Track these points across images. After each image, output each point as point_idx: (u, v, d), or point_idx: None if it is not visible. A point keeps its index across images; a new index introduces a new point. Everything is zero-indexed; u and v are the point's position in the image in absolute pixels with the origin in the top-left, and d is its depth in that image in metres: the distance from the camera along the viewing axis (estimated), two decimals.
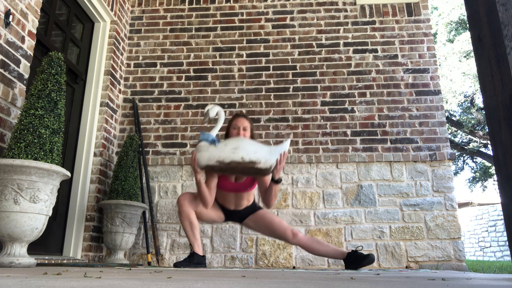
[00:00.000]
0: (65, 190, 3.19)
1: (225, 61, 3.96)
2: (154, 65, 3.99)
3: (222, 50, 4.00)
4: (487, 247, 11.28)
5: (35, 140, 1.98)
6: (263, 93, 3.84)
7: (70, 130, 3.31)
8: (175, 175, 3.66)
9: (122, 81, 3.93)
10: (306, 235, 2.59)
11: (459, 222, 3.42)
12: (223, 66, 3.94)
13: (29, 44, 2.46)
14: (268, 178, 2.60)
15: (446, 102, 12.26)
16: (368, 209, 3.47)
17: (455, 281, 1.41)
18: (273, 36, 4.02)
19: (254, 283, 1.12)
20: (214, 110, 2.62)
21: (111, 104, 3.67)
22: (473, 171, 15.28)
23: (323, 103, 3.78)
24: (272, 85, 3.86)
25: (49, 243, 2.99)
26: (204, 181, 2.59)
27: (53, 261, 2.56)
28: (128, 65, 4.00)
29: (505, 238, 10.36)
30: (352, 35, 3.97)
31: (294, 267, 3.33)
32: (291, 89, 3.84)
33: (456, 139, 14.14)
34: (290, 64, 3.92)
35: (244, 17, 4.10)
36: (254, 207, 2.78)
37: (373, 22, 4.00)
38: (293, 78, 3.87)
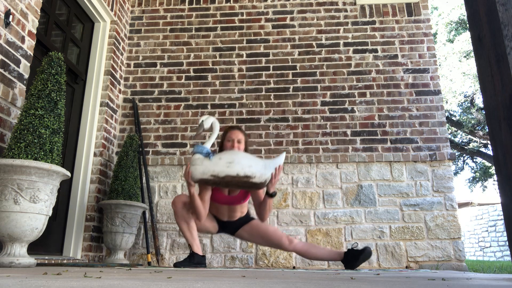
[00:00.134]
0: (65, 190, 3.19)
1: (225, 61, 3.96)
2: (154, 65, 3.99)
3: (222, 50, 4.00)
4: (487, 247, 11.28)
5: (35, 140, 1.98)
6: (263, 93, 3.84)
7: (70, 130, 3.31)
8: (175, 175, 3.66)
9: (122, 81, 3.93)
10: (302, 241, 2.58)
11: (459, 222, 3.43)
12: (223, 66, 3.94)
13: (29, 44, 2.46)
14: (262, 191, 2.57)
15: (446, 102, 12.27)
16: (368, 209, 3.47)
17: (455, 281, 1.41)
18: (273, 36, 4.02)
19: (254, 283, 1.12)
20: (208, 121, 2.58)
21: (111, 104, 3.67)
22: (473, 171, 15.29)
23: (323, 103, 3.78)
24: (272, 85, 3.86)
25: (49, 243, 2.99)
26: (198, 193, 2.56)
27: (53, 261, 2.56)
28: (128, 65, 4.00)
29: (505, 238, 10.36)
30: (352, 35, 3.97)
31: (294, 267, 3.33)
32: (291, 89, 3.84)
33: (456, 139, 14.14)
34: (290, 64, 3.92)
35: (244, 17, 4.10)
36: (247, 218, 2.77)
37: (373, 22, 4.00)
38: (293, 78, 3.87)
